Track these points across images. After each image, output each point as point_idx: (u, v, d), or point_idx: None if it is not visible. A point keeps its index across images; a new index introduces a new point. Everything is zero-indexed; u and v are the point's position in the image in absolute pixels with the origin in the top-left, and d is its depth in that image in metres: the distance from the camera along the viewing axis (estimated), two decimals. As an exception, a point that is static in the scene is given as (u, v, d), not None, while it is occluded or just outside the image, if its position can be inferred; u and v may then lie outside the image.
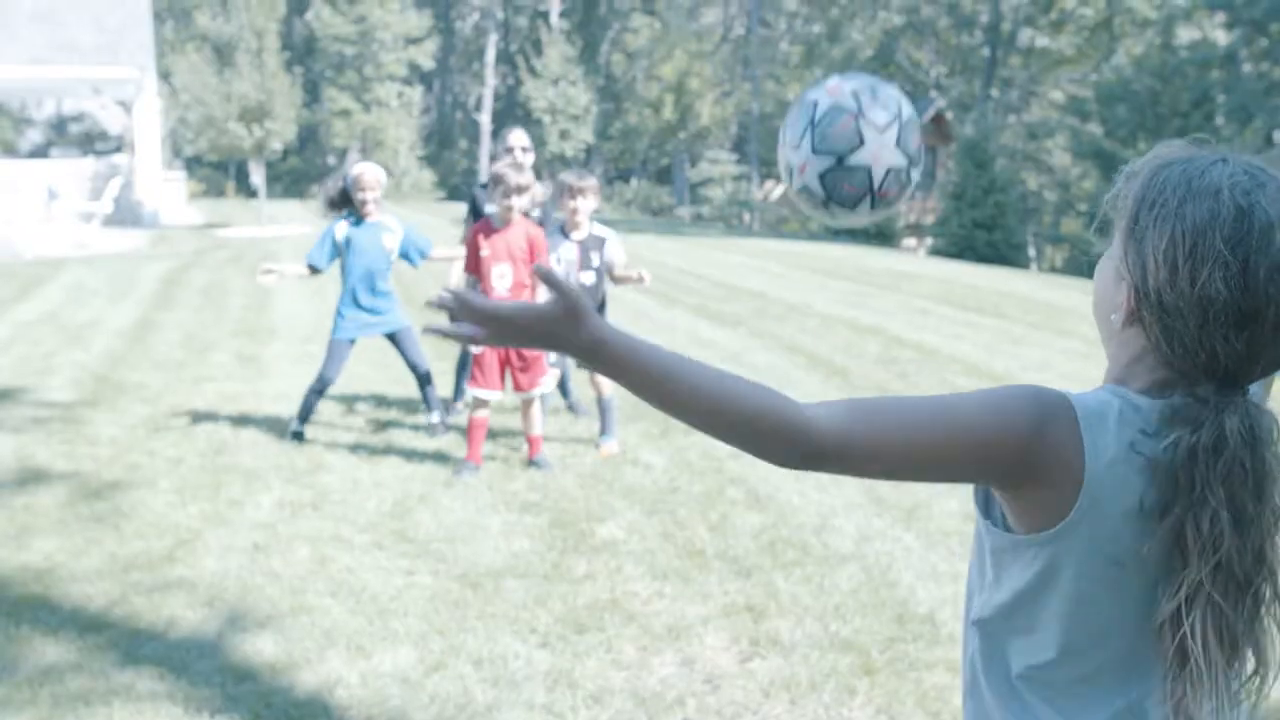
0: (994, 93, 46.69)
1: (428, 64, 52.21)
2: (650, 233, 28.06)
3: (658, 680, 4.11)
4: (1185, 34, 35.20)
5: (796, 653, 4.30)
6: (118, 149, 33.34)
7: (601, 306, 7.00)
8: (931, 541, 5.52)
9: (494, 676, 4.11)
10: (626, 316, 12.52)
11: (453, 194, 54.42)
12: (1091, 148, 33.27)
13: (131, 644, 4.34)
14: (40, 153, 34.88)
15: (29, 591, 4.82)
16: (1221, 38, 34.04)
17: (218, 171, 49.02)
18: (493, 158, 8.34)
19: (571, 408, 7.98)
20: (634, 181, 50.98)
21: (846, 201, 1.91)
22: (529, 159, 7.46)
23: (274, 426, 7.53)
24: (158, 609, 4.65)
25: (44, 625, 4.48)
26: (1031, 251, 42.06)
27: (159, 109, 29.33)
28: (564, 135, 49.76)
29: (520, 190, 6.38)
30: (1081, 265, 31.97)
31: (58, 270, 16.68)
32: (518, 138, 7.55)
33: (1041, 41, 47.27)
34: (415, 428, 7.56)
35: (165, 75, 31.33)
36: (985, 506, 1.52)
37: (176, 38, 43.50)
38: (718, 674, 4.16)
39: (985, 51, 47.13)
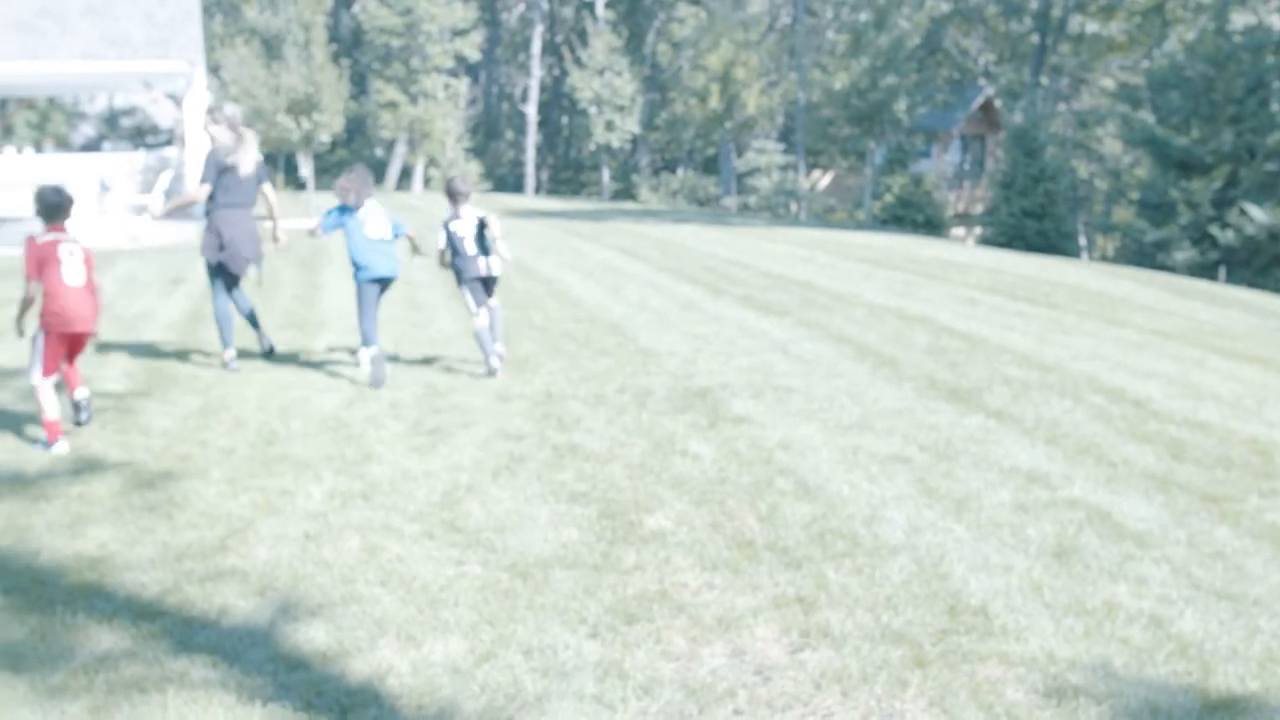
0: (1044, 80, 46.17)
1: (474, 56, 52.33)
2: (696, 223, 27.99)
3: (708, 671, 4.09)
4: (1239, 19, 34.61)
5: (848, 644, 4.27)
6: (168, 142, 33.69)
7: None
8: (983, 533, 5.47)
9: (544, 667, 4.11)
10: (675, 307, 12.48)
11: (499, 185, 54.58)
12: (1143, 135, 32.75)
13: (184, 632, 4.38)
14: (93, 146, 35.33)
15: (84, 580, 4.88)
16: (1277, 22, 33.44)
17: (266, 164, 49.46)
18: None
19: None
20: (680, 171, 50.92)
21: None
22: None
23: (324, 417, 7.57)
24: (210, 598, 4.69)
25: (98, 613, 4.53)
26: (1082, 240, 41.62)
27: (209, 102, 29.60)
28: (610, 126, 49.75)
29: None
30: (1133, 254, 31.54)
31: (110, 262, 16.86)
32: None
33: (1092, 28, 46.66)
34: (464, 417, 7.57)
35: (214, 69, 31.61)
36: None
37: (225, 31, 43.80)
38: (768, 665, 4.14)
39: (1035, 38, 46.62)
